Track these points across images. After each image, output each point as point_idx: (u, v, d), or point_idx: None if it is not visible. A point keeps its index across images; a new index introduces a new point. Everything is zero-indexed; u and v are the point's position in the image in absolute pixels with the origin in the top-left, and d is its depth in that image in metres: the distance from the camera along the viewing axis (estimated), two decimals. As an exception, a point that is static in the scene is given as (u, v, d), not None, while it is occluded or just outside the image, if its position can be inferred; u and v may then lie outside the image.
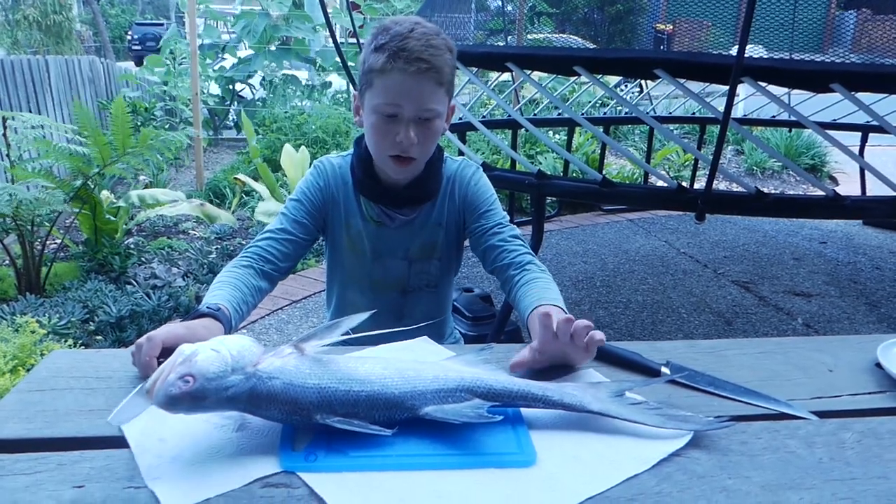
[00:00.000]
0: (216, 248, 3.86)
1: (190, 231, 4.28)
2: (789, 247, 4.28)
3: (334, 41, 3.26)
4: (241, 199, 4.85)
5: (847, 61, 1.86)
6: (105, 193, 3.69)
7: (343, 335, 0.82)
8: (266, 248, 1.21)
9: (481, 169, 1.34)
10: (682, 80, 1.91)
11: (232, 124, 7.77)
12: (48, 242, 3.11)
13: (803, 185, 6.70)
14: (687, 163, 5.93)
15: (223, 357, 0.74)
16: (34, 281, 3.00)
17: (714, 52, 1.93)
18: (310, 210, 1.26)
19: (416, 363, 0.83)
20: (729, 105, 1.69)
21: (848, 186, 5.64)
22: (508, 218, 1.31)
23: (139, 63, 16.41)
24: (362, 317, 0.85)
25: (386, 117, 1.13)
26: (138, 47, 21.11)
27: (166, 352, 0.83)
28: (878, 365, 1.04)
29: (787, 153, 6.92)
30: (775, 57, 1.89)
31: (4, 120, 2.89)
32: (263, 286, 1.18)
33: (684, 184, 5.33)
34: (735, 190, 1.99)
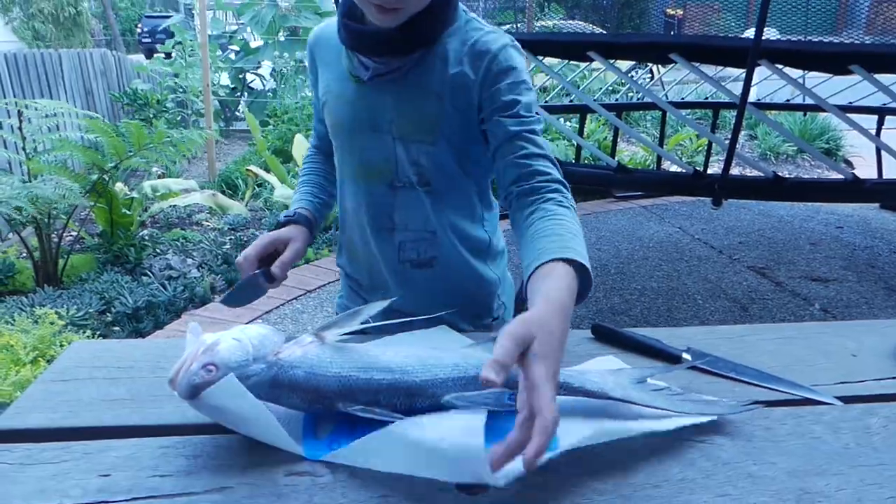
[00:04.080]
0: (230, 239, 3.88)
1: (203, 222, 4.30)
2: (805, 231, 4.24)
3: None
4: (254, 191, 4.87)
5: (865, 43, 1.83)
6: (119, 185, 3.72)
7: (363, 323, 0.82)
8: (317, 132, 1.21)
9: (517, 44, 0.99)
10: (696, 65, 1.89)
11: (243, 115, 7.78)
12: (64, 235, 3.13)
13: (818, 168, 6.63)
14: (700, 148, 5.88)
15: (245, 346, 0.74)
16: (52, 273, 3.02)
17: (730, 36, 1.89)
18: (316, 91, 1.12)
19: (436, 351, 0.83)
20: (746, 88, 1.67)
21: (864, 170, 5.57)
22: (539, 119, 0.98)
23: (149, 55, 16.54)
24: (383, 304, 0.85)
25: None
26: (148, 40, 21.18)
27: (266, 259, 0.99)
28: None
29: (801, 137, 6.85)
30: (791, 39, 1.85)
31: (20, 113, 2.91)
32: (333, 164, 1.15)
33: (699, 169, 5.29)
34: (752, 175, 1.97)
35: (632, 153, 6.00)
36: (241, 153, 6.04)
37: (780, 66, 1.80)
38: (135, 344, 1.02)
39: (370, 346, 0.82)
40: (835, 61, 1.77)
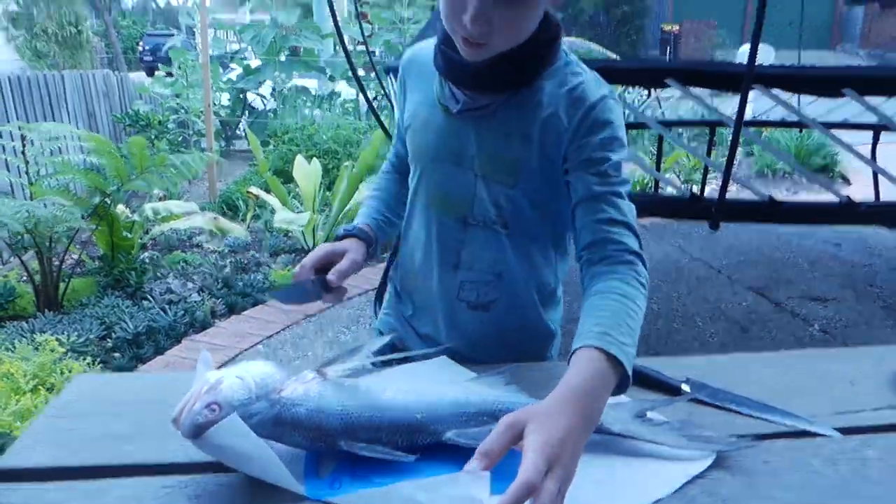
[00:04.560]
0: (230, 262, 3.89)
1: (204, 245, 4.31)
2: (803, 250, 4.26)
3: (345, 50, 3.29)
4: (255, 212, 4.89)
5: (856, 66, 1.85)
6: (121, 207, 3.73)
7: (365, 359, 0.83)
8: (396, 151, 1.20)
9: (616, 96, 0.95)
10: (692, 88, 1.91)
11: (243, 134, 7.83)
12: (66, 258, 3.14)
13: (816, 184, 6.67)
14: (698, 166, 5.91)
15: (247, 384, 0.75)
16: (52, 297, 3.03)
17: (724, 62, 1.91)
18: (402, 112, 1.11)
19: (438, 386, 0.83)
20: (740, 114, 1.69)
21: (861, 186, 5.60)
22: (626, 179, 0.93)
23: (150, 73, 16.69)
24: (384, 340, 0.85)
25: None
26: (150, 58, 21.35)
27: (323, 269, 0.99)
28: None
29: (797, 154, 6.88)
30: (785, 64, 1.88)
31: (24, 137, 2.93)
32: (405, 185, 1.14)
33: (696, 188, 5.31)
34: (748, 198, 1.98)
35: (628, 171, 6.04)
36: (242, 173, 6.07)
37: (773, 91, 1.83)
38: (137, 377, 1.03)
39: (372, 382, 0.83)
40: (827, 85, 1.80)
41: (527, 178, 0.96)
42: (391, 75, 3.08)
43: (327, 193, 5.13)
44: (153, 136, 5.69)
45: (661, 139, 4.98)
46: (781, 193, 6.14)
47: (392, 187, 1.18)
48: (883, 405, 0.98)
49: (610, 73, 2.21)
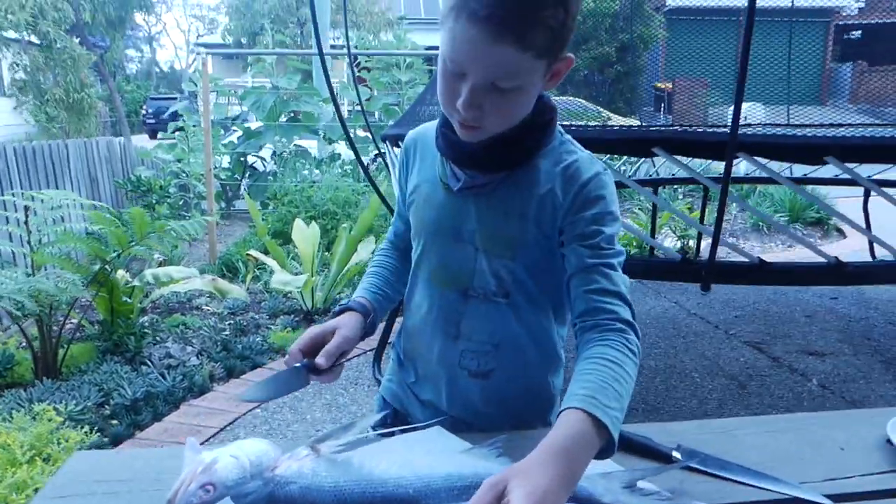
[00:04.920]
0: (229, 324, 3.90)
1: (203, 307, 4.33)
2: (800, 303, 4.28)
3: (340, 119, 3.38)
4: (254, 274, 4.93)
5: (840, 135, 1.92)
6: (121, 272, 3.77)
7: (359, 435, 0.84)
8: (395, 229, 1.23)
9: (609, 174, 0.99)
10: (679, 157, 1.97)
11: (244, 196, 7.95)
12: (65, 324, 3.16)
13: (810, 238, 6.73)
14: (695, 218, 5.98)
15: (242, 463, 0.76)
16: (51, 364, 3.03)
17: (709, 130, 1.98)
18: (403, 189, 1.15)
19: (431, 459, 0.85)
20: (726, 180, 1.74)
21: (858, 238, 5.65)
22: (621, 251, 0.96)
23: (154, 136, 17.10)
24: (374, 418, 0.87)
25: (451, 73, 0.88)
26: (153, 121, 21.87)
27: (313, 351, 0.98)
28: (890, 441, 1.05)
29: (791, 207, 6.97)
30: (768, 132, 1.94)
31: (27, 209, 2.99)
32: (406, 262, 1.18)
33: (692, 242, 5.35)
34: (738, 260, 2.02)
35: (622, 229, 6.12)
36: (242, 234, 6.15)
37: (758, 158, 1.90)
38: (134, 455, 1.03)
39: (366, 457, 0.84)
40: (810, 154, 1.86)
41: (525, 252, 1.00)
42: (387, 142, 3.18)
43: (326, 254, 5.18)
44: (154, 201, 5.79)
45: (654, 210, 5.08)
46: (777, 247, 6.20)
47: (391, 263, 1.21)
48: (873, 470, 0.98)
49: (598, 144, 2.30)
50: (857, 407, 2.78)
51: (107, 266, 3.12)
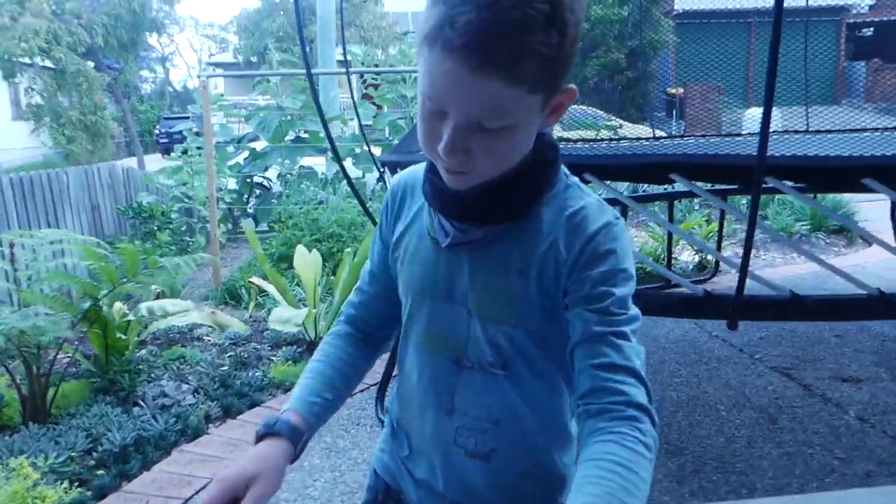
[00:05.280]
0: (230, 356, 3.76)
1: (205, 337, 4.19)
2: (829, 322, 4.04)
3: (330, 140, 3.23)
4: (258, 301, 4.79)
5: (878, 154, 1.73)
6: (118, 305, 3.64)
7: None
8: (357, 308, 1.04)
9: (622, 224, 0.84)
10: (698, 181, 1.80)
11: (250, 217, 7.86)
12: (58, 358, 3.03)
13: (834, 247, 6.50)
14: (711, 234, 5.78)
15: None
16: (39, 405, 2.89)
17: (732, 154, 1.80)
18: (385, 244, 0.99)
19: None
20: (754, 211, 1.57)
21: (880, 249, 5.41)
22: (635, 316, 0.81)
23: (167, 153, 17.31)
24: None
25: (430, 112, 0.75)
26: (166, 140, 22.17)
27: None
28: None
29: (812, 215, 6.73)
30: (798, 154, 1.75)
31: (13, 245, 2.87)
32: (365, 354, 1.04)
33: (710, 257, 5.15)
34: (768, 293, 1.82)
35: (639, 242, 5.91)
36: (248, 257, 6.02)
37: (786, 182, 1.72)
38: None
39: None
40: (845, 176, 1.68)
41: (528, 317, 0.85)
42: (386, 168, 3.02)
43: (331, 278, 5.04)
44: (155, 228, 5.68)
45: (671, 208, 4.89)
46: (799, 258, 5.97)
47: (339, 356, 1.01)
48: None
49: (610, 171, 2.13)
50: (900, 443, 2.56)
51: (99, 303, 2.99)
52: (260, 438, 0.87)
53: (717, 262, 5.41)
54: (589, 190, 0.87)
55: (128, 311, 3.63)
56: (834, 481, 2.27)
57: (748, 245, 1.66)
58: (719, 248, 4.48)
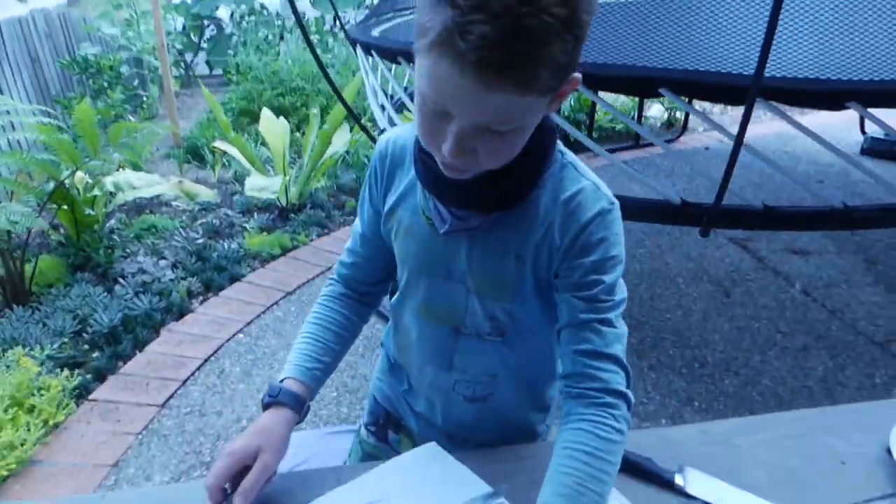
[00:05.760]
0: (202, 225, 3.76)
1: (173, 203, 4.14)
2: (785, 190, 4.21)
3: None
4: (223, 163, 4.69)
5: (864, 80, 1.73)
6: (79, 175, 3.53)
7: None
8: (349, 268, 1.06)
9: (616, 209, 0.85)
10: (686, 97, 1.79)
11: (203, 62, 7.42)
12: (29, 240, 3.00)
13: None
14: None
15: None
16: (19, 286, 2.92)
17: (723, 72, 1.76)
18: (376, 210, 0.98)
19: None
20: (743, 127, 1.58)
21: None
22: (621, 300, 0.85)
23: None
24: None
25: (431, 111, 0.72)
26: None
27: (235, 480, 0.84)
28: (890, 453, 1.05)
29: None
30: (796, 76, 1.73)
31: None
32: (360, 313, 1.07)
33: (678, 114, 5.17)
34: (742, 204, 1.90)
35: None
36: (205, 106, 5.75)
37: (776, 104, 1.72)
38: (119, 499, 0.97)
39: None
40: (833, 98, 1.69)
41: (524, 295, 0.90)
42: (358, 47, 2.86)
43: (297, 135, 4.93)
44: (105, 84, 5.34)
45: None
46: (766, 114, 6.03)
47: (336, 319, 1.04)
48: (874, 495, 0.98)
49: (597, 80, 2.07)
50: (837, 316, 2.81)
51: (64, 184, 2.91)
52: (266, 407, 0.92)
53: (685, 121, 5.45)
54: (585, 169, 0.87)
55: (90, 181, 3.54)
56: (775, 355, 2.53)
57: (732, 161, 1.70)
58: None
